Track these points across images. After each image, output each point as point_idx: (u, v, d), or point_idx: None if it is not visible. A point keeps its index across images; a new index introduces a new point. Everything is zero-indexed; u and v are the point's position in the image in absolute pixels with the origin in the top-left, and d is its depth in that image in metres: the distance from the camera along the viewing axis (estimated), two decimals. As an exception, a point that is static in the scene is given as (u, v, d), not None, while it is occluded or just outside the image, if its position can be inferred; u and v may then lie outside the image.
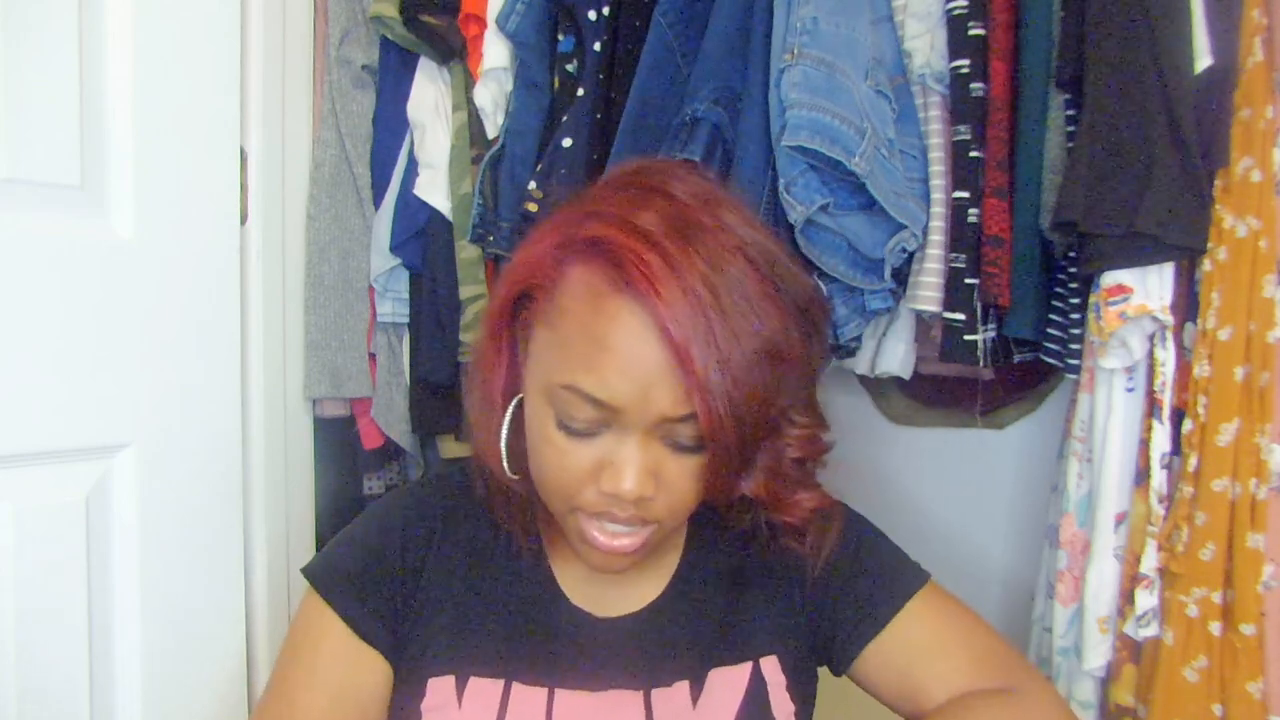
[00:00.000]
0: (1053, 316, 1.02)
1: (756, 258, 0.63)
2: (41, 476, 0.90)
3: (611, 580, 0.75)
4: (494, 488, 0.75)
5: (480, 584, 0.74)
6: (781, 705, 0.73)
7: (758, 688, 0.73)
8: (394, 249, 1.31)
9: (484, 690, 0.70)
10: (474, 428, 0.74)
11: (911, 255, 1.03)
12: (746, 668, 0.74)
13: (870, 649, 0.75)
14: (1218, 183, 0.88)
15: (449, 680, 0.70)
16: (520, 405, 0.70)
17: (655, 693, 0.72)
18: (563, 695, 0.70)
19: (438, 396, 1.31)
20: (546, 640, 0.73)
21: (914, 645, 0.75)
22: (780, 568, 0.78)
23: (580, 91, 1.13)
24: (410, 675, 0.71)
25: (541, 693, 0.70)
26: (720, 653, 0.74)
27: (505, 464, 0.70)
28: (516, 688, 0.70)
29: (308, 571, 0.75)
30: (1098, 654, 0.95)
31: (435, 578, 0.74)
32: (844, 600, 0.77)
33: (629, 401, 0.61)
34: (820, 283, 1.01)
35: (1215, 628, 0.88)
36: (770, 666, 0.75)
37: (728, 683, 0.73)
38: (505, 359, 0.71)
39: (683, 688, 0.72)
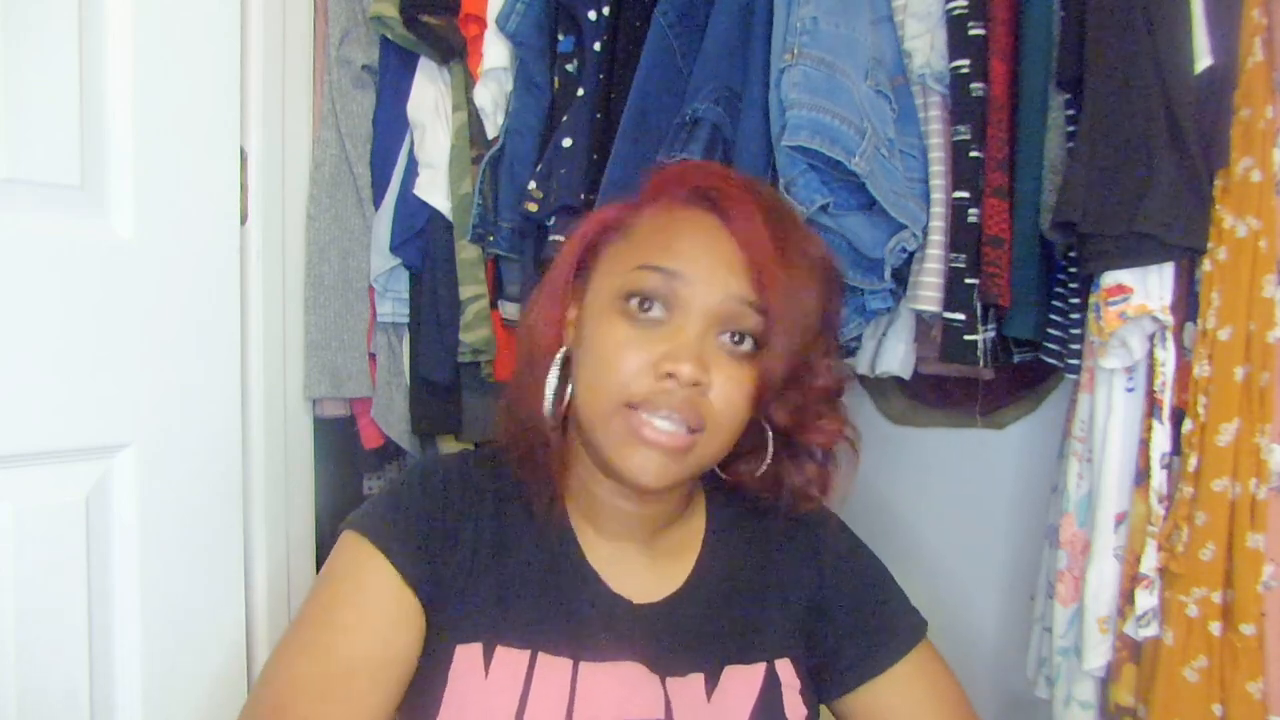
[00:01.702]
0: (1053, 316, 1.02)
1: (796, 211, 0.76)
2: (41, 476, 0.90)
3: (629, 568, 0.76)
4: (526, 446, 0.75)
5: (511, 559, 0.75)
6: (794, 708, 0.74)
7: (772, 688, 0.74)
8: (394, 249, 1.31)
9: (511, 659, 0.70)
10: (517, 381, 0.76)
11: (911, 255, 1.03)
12: (760, 668, 0.75)
13: (862, 690, 0.77)
14: (1218, 183, 0.88)
15: (476, 648, 0.71)
16: (564, 363, 0.73)
17: (670, 680, 0.72)
18: (587, 667, 0.71)
19: (438, 396, 1.31)
20: (573, 613, 0.74)
21: (904, 698, 0.77)
22: (797, 575, 0.80)
23: (580, 91, 1.13)
24: (438, 641, 0.71)
25: (567, 664, 0.71)
26: (735, 650, 0.75)
27: (548, 407, 0.73)
28: (542, 658, 0.71)
29: (350, 521, 0.74)
30: (1098, 654, 0.95)
31: (468, 547, 0.74)
32: (846, 635, 0.79)
33: (697, 273, 0.67)
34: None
35: (1215, 628, 0.88)
36: (784, 668, 0.76)
37: (742, 680, 0.74)
38: (560, 311, 0.75)
39: (698, 680, 0.73)
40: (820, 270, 0.71)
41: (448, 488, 0.75)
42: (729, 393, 0.68)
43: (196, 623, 1.03)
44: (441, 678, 0.70)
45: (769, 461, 0.75)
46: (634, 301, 0.68)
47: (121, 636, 0.95)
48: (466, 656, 0.70)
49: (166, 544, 0.99)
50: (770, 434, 0.74)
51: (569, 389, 0.73)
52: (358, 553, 0.71)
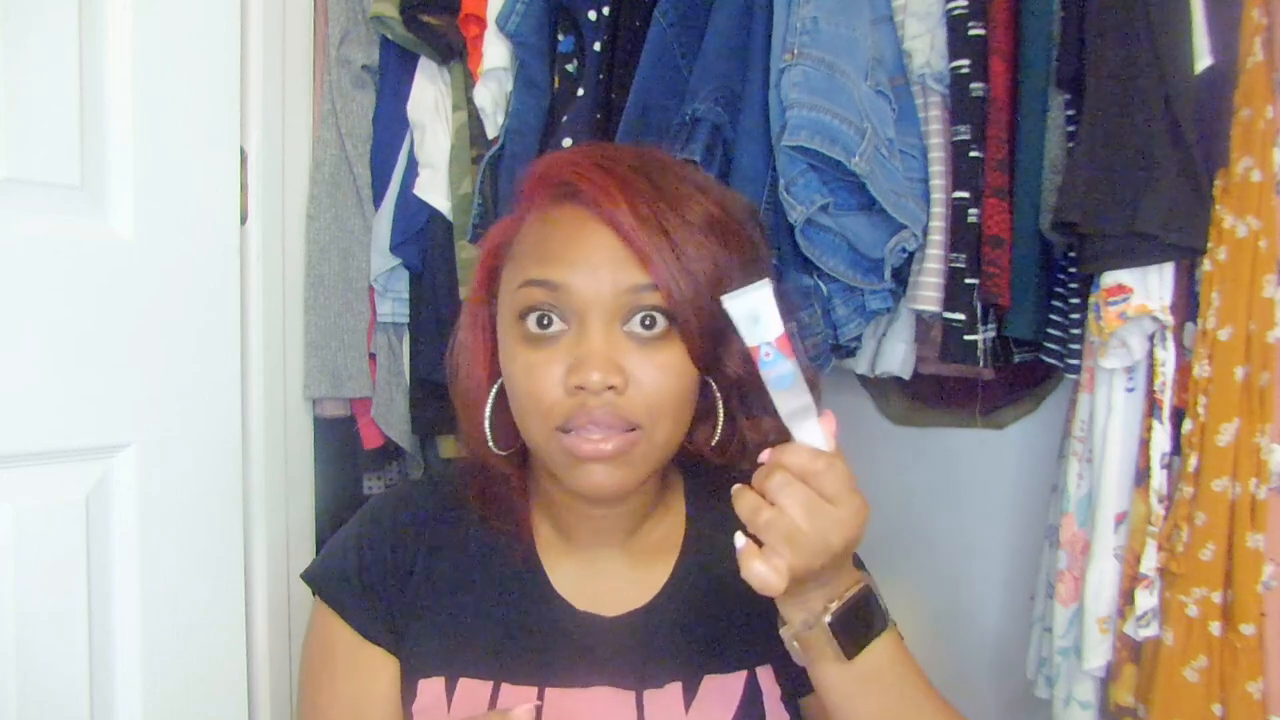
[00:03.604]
0: (1053, 316, 1.02)
1: (685, 169, 0.71)
2: (41, 476, 0.90)
3: (606, 578, 0.75)
4: (483, 478, 0.74)
5: (471, 584, 0.74)
6: (777, 716, 0.73)
7: (752, 698, 0.73)
8: (394, 249, 1.31)
9: (473, 691, 0.70)
10: (460, 413, 0.75)
11: (911, 255, 1.03)
12: (741, 676, 0.73)
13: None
14: (1218, 183, 0.88)
15: (439, 682, 0.70)
16: (503, 390, 0.71)
17: (647, 693, 0.71)
18: (553, 694, 0.70)
19: (438, 396, 1.31)
20: (538, 639, 0.73)
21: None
22: None
23: (580, 91, 1.13)
24: (403, 676, 0.72)
25: (531, 692, 0.70)
26: (715, 659, 0.74)
27: (490, 440, 0.71)
28: (506, 688, 0.70)
29: (308, 577, 0.75)
30: (1098, 654, 0.95)
31: (424, 578, 0.74)
32: None
33: (578, 279, 0.64)
34: (820, 283, 1.01)
35: (1215, 628, 0.88)
36: (766, 676, 0.74)
37: (721, 690, 0.72)
38: (486, 341, 0.73)
39: (675, 689, 0.72)
40: (712, 220, 0.67)
41: (396, 525, 0.75)
42: (653, 380, 0.64)
43: (196, 623, 1.03)
44: (406, 714, 0.70)
45: (722, 425, 0.72)
46: (528, 322, 0.65)
47: (121, 636, 0.95)
48: (429, 691, 0.70)
49: (166, 544, 0.99)
50: (720, 398, 0.72)
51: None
52: (319, 622, 0.74)
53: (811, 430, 0.57)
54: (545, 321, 0.65)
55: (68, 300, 0.91)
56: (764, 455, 0.58)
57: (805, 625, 0.60)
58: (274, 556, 1.16)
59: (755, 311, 0.57)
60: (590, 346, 0.63)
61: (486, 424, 0.71)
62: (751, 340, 0.57)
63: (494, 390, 0.71)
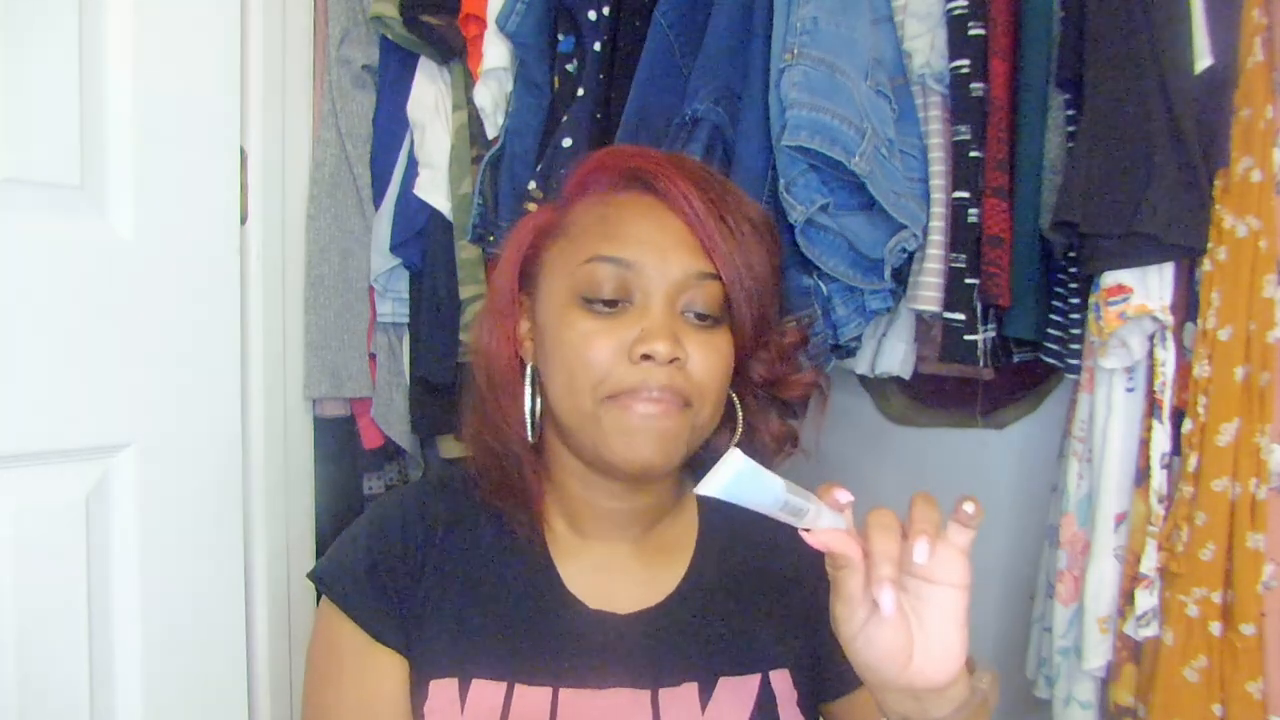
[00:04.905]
0: (1053, 316, 1.02)
1: (724, 177, 0.76)
2: (41, 476, 0.90)
3: (619, 575, 0.75)
4: (500, 470, 0.74)
5: (482, 583, 0.74)
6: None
7: (767, 701, 0.72)
8: (394, 249, 1.31)
9: (487, 693, 0.69)
10: (479, 408, 0.75)
11: (911, 255, 1.03)
12: (755, 680, 0.73)
13: (850, 697, 0.75)
14: (1218, 183, 0.89)
15: (452, 683, 0.70)
16: (532, 378, 0.73)
17: (663, 692, 0.71)
18: (567, 695, 0.70)
19: (438, 396, 1.31)
20: (550, 638, 0.72)
21: None
22: (794, 580, 0.78)
23: (580, 91, 1.13)
24: (413, 677, 0.71)
25: (545, 693, 0.70)
26: (730, 660, 0.73)
27: (529, 427, 0.72)
28: (519, 689, 0.70)
29: (316, 577, 0.75)
30: (1098, 654, 0.95)
31: (435, 578, 0.73)
32: (835, 642, 0.76)
33: (647, 259, 0.67)
34: (820, 283, 1.01)
35: (1215, 628, 0.88)
36: (780, 680, 0.74)
37: (736, 692, 0.72)
38: (515, 330, 0.74)
39: (691, 689, 0.72)
40: (764, 229, 0.72)
41: (405, 525, 0.74)
42: (708, 361, 0.67)
43: (196, 623, 1.03)
44: (419, 715, 0.70)
45: (742, 423, 0.74)
46: (591, 295, 0.67)
47: (121, 636, 0.95)
48: (441, 692, 0.70)
49: (166, 544, 0.99)
50: (739, 404, 0.74)
51: (537, 402, 0.73)
52: (326, 620, 0.73)
53: (828, 517, 0.58)
54: (610, 296, 0.67)
55: (68, 300, 0.91)
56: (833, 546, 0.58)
57: (976, 693, 0.58)
58: (274, 556, 1.16)
59: (756, 479, 0.55)
60: (657, 319, 0.66)
61: (527, 402, 0.72)
62: (775, 504, 0.56)
63: (528, 373, 0.73)
